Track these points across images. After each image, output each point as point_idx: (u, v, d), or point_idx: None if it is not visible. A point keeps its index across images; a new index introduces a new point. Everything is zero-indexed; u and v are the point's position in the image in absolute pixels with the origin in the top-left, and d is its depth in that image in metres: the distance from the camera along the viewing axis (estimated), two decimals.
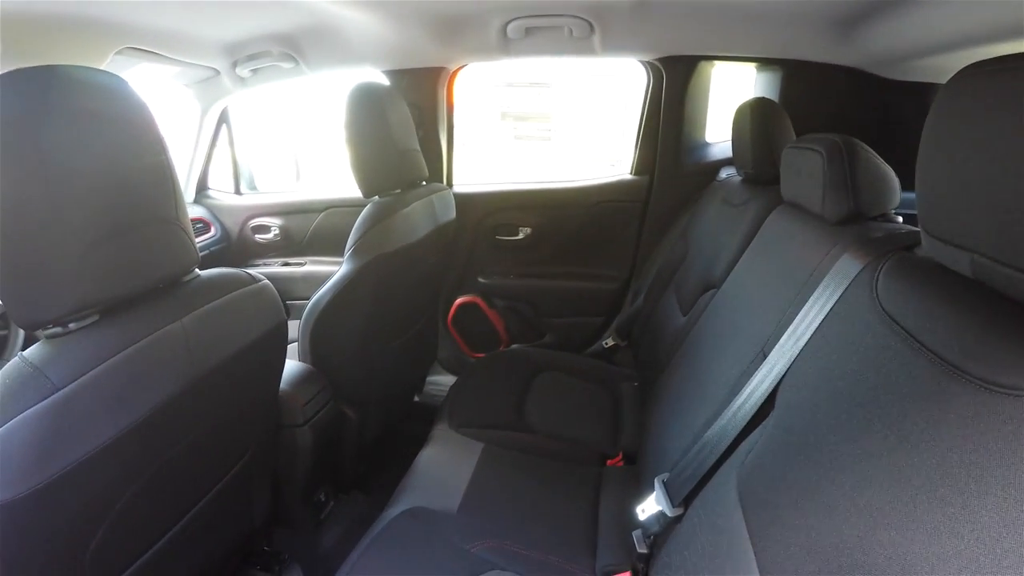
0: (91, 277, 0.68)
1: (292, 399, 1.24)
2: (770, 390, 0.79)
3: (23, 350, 0.68)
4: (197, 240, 2.01)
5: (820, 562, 0.54)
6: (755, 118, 1.44)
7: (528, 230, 2.06)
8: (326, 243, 2.19)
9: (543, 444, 1.41)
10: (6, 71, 0.64)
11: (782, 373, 0.78)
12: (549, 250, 2.08)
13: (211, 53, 1.73)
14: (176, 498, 0.91)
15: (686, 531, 0.84)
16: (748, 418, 0.81)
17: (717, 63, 1.91)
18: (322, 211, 2.18)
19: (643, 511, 0.96)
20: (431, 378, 2.14)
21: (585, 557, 1.09)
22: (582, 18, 1.52)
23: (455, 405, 1.54)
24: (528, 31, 1.61)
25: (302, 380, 1.31)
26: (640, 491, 1.06)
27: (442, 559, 1.03)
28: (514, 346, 2.13)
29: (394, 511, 1.15)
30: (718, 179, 1.83)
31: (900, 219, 1.00)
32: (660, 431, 1.19)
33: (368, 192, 1.44)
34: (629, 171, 2.03)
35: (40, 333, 0.70)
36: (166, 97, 1.99)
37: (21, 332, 1.33)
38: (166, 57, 1.61)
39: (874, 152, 1.01)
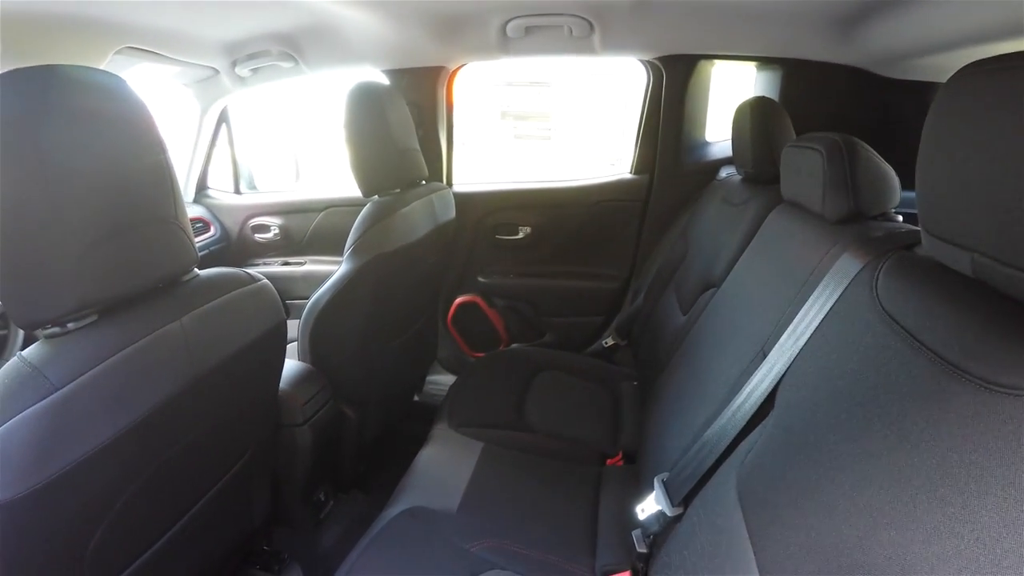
0: (90, 277, 0.68)
1: (292, 398, 1.24)
2: (770, 389, 0.79)
3: (22, 350, 0.68)
4: (197, 240, 2.02)
5: (820, 562, 0.54)
6: (755, 117, 1.44)
7: (528, 229, 2.06)
8: (326, 242, 2.19)
9: (543, 443, 1.41)
10: (6, 71, 0.64)
11: (782, 372, 0.78)
12: (549, 249, 2.08)
13: (210, 53, 1.72)
14: (175, 498, 0.91)
15: (686, 531, 0.84)
16: (748, 417, 0.81)
17: (717, 62, 1.90)
18: (322, 211, 2.18)
19: (643, 510, 0.96)
20: (431, 377, 2.14)
21: (585, 556, 1.09)
22: (582, 17, 1.52)
23: (455, 404, 1.54)
24: (528, 30, 1.61)
25: (302, 379, 1.31)
26: (640, 490, 1.06)
27: (442, 559, 1.03)
28: (514, 345, 2.13)
29: (394, 510, 1.15)
30: (718, 178, 1.82)
31: (900, 218, 1.00)
32: (660, 430, 1.19)
33: (368, 191, 1.44)
34: (629, 170, 2.03)
35: (39, 333, 0.70)
36: (166, 97, 1.99)
37: (20, 332, 1.33)
38: (166, 57, 1.60)
39: (874, 151, 1.01)
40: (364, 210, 1.37)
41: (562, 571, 1.05)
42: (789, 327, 0.81)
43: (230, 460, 1.02)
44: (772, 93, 1.80)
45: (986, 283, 0.53)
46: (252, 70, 1.83)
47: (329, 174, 2.63)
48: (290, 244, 2.25)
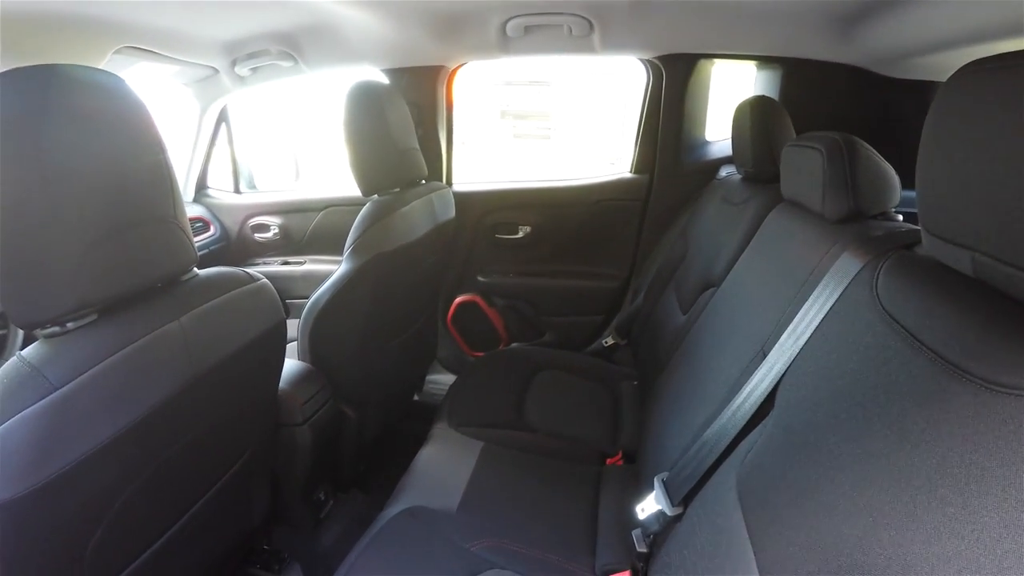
0: (89, 276, 0.68)
1: (291, 398, 1.24)
2: (770, 389, 0.79)
3: (22, 350, 0.68)
4: (196, 239, 2.03)
5: (819, 562, 0.54)
6: (755, 116, 1.44)
7: (528, 229, 2.06)
8: (325, 242, 2.19)
9: (543, 443, 1.41)
10: (5, 70, 0.64)
11: (782, 372, 0.78)
12: (549, 249, 2.08)
13: (210, 52, 1.72)
14: (175, 497, 0.91)
15: (685, 530, 0.84)
16: (748, 417, 0.81)
17: (717, 61, 1.90)
18: (321, 210, 2.18)
19: (643, 510, 0.96)
20: (430, 377, 2.14)
21: (585, 556, 1.09)
22: (582, 16, 1.52)
23: (455, 404, 1.54)
24: (527, 29, 1.61)
25: (301, 379, 1.31)
26: (640, 490, 1.06)
27: (441, 558, 1.03)
28: (514, 345, 2.13)
29: (393, 510, 1.15)
30: (718, 177, 1.82)
31: (900, 217, 1.00)
32: (660, 430, 1.19)
33: (367, 191, 1.43)
34: (629, 170, 2.03)
35: (38, 333, 0.70)
36: (165, 96, 1.99)
37: (20, 332, 1.33)
38: (165, 56, 1.60)
39: (874, 150, 1.01)
40: (364, 209, 1.37)
41: (562, 570, 1.05)
42: (789, 327, 0.80)
43: (230, 459, 1.02)
44: (772, 92, 1.80)
45: (986, 283, 0.53)
46: (252, 69, 1.83)
47: (329, 173, 2.63)
48: (290, 243, 2.25)
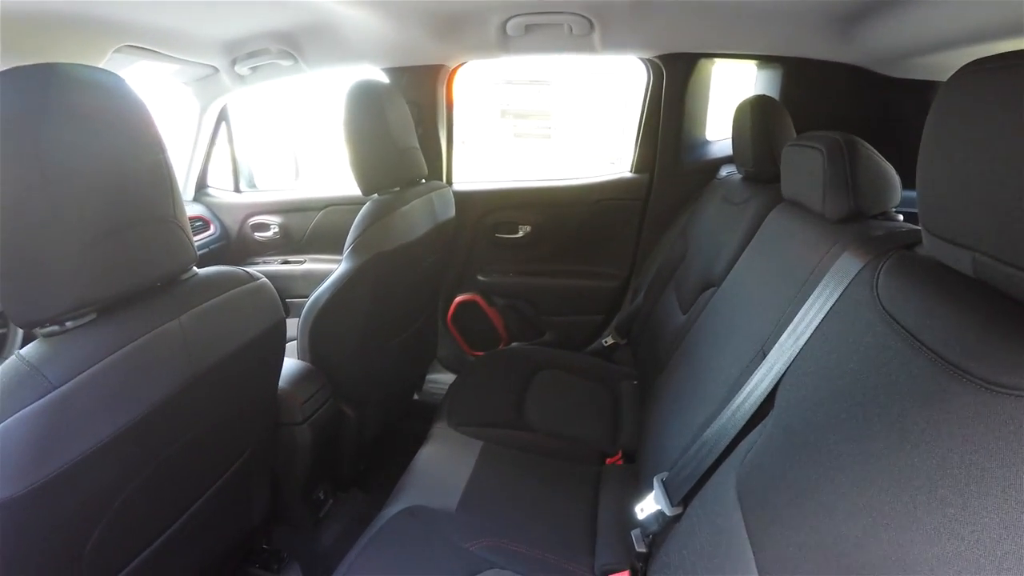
0: (89, 275, 0.68)
1: (291, 397, 1.24)
2: (769, 389, 0.79)
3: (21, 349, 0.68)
4: (196, 238, 2.03)
5: (819, 562, 0.54)
6: (755, 116, 1.44)
7: (528, 228, 2.06)
8: (325, 241, 2.19)
9: (542, 442, 1.41)
10: (5, 69, 0.64)
11: (782, 372, 0.78)
12: (549, 248, 2.08)
13: (210, 51, 1.72)
14: (175, 496, 0.91)
15: (685, 530, 0.84)
16: (747, 417, 0.81)
17: (717, 61, 1.90)
18: (321, 209, 2.18)
19: (642, 510, 0.96)
20: (430, 376, 2.14)
21: (584, 556, 1.09)
22: (582, 15, 1.52)
23: (454, 403, 1.54)
24: (528, 28, 1.61)
25: (301, 378, 1.31)
26: (639, 490, 1.06)
27: (441, 557, 1.03)
28: (513, 344, 2.13)
29: (393, 509, 1.15)
30: (718, 177, 1.82)
31: (901, 217, 1.00)
32: (659, 430, 1.19)
33: (367, 190, 1.43)
34: (629, 169, 2.03)
35: (37, 332, 0.70)
36: (165, 95, 1.99)
37: (20, 331, 1.33)
38: (165, 55, 1.60)
39: (875, 150, 1.01)
40: (363, 209, 1.37)
41: (561, 570, 1.05)
42: (789, 326, 0.80)
43: (229, 459, 1.02)
44: (772, 92, 1.80)
45: (987, 283, 0.53)
46: (252, 68, 1.83)
47: (329, 173, 2.63)
48: (290, 243, 2.25)
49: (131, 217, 0.73)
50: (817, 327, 0.76)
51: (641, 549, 0.96)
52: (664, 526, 0.91)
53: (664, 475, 0.94)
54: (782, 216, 1.17)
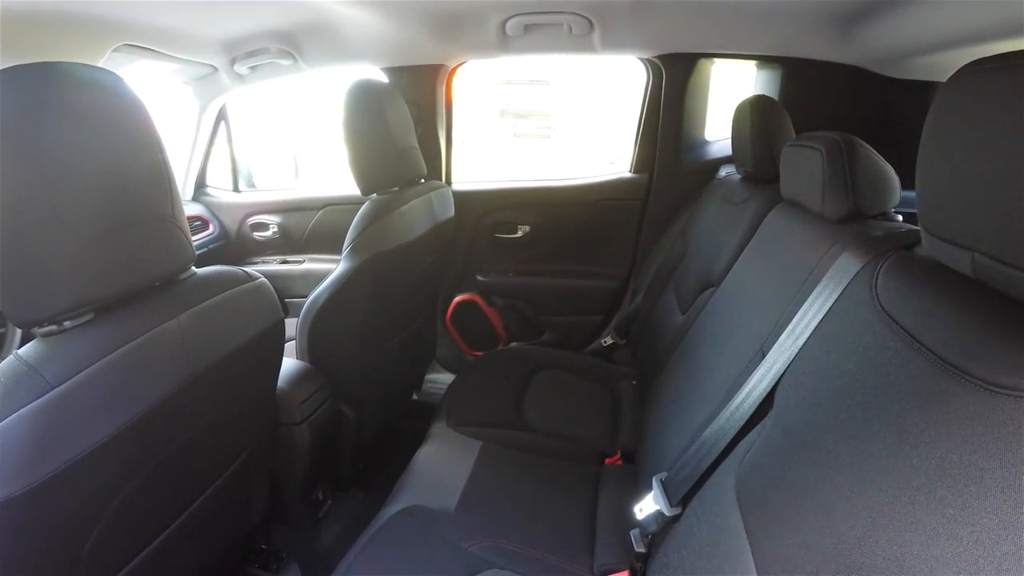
0: (87, 275, 0.68)
1: (290, 397, 1.24)
2: (769, 389, 0.79)
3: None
4: (195, 238, 2.03)
5: (818, 562, 0.54)
6: (755, 116, 1.44)
7: (527, 228, 2.06)
8: (325, 241, 2.19)
9: (541, 442, 1.41)
10: (4, 67, 0.64)
11: (781, 372, 0.78)
12: (548, 248, 2.08)
13: (209, 50, 1.72)
14: (173, 496, 0.90)
15: (684, 531, 0.84)
16: (746, 417, 0.81)
17: (717, 61, 1.90)
18: (320, 209, 2.18)
19: (641, 510, 0.96)
20: (430, 376, 2.14)
21: (583, 556, 1.09)
22: (581, 15, 1.52)
23: (453, 403, 1.54)
24: (527, 28, 1.61)
25: (300, 378, 1.31)
26: (638, 490, 1.06)
27: (440, 558, 1.03)
28: (513, 344, 2.13)
29: (392, 509, 1.15)
30: (718, 177, 1.82)
31: (900, 218, 1.00)
32: (658, 430, 1.19)
33: (366, 190, 1.43)
34: (628, 169, 2.03)
35: (36, 331, 0.70)
36: (164, 94, 1.98)
37: (18, 331, 1.32)
38: (164, 54, 1.60)
39: (874, 150, 1.01)
40: (362, 208, 1.37)
41: (560, 570, 1.05)
42: (788, 327, 0.80)
43: (228, 458, 1.02)
44: (772, 92, 1.80)
45: (986, 283, 0.53)
46: (251, 68, 1.82)
47: (328, 172, 2.63)
48: (289, 242, 2.25)
49: (129, 217, 0.73)
50: (816, 327, 0.76)
51: (640, 549, 0.96)
52: (663, 526, 0.91)
53: (663, 475, 0.94)
54: (781, 216, 1.17)
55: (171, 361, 0.78)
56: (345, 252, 1.33)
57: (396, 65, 1.85)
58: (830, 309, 0.75)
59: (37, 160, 0.63)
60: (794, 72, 1.77)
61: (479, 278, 2.11)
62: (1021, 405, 0.43)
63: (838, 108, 1.74)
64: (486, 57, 1.86)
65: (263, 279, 0.98)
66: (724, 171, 1.83)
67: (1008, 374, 0.45)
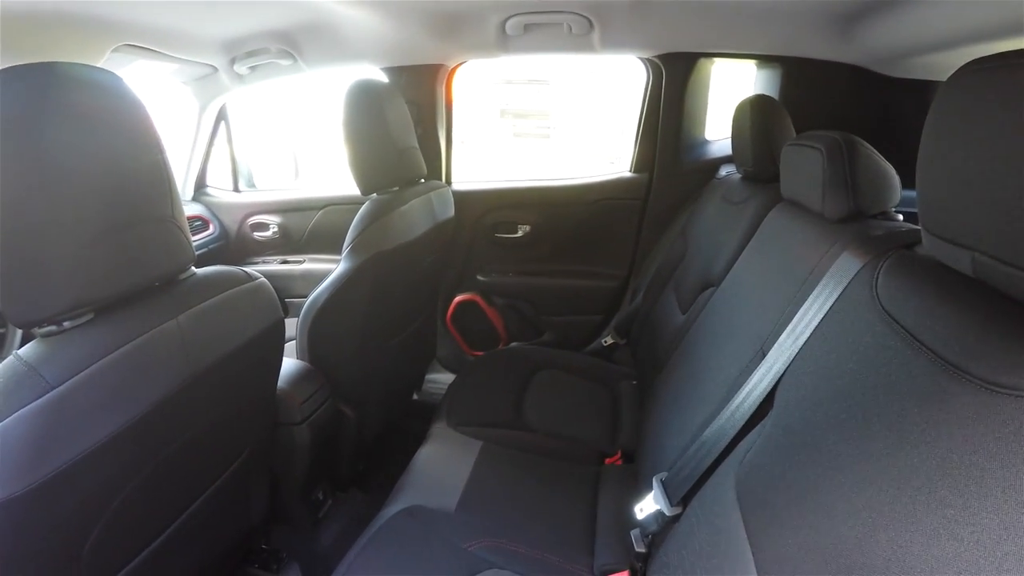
0: (86, 275, 0.68)
1: (290, 397, 1.24)
2: (769, 389, 0.79)
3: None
4: (195, 238, 2.03)
5: (818, 562, 0.54)
6: (755, 115, 1.44)
7: (527, 228, 2.06)
8: (325, 241, 2.19)
9: (541, 442, 1.41)
10: (3, 68, 0.63)
11: (781, 372, 0.78)
12: (548, 248, 2.08)
13: (209, 50, 1.72)
14: (173, 496, 0.90)
15: (684, 530, 0.84)
16: (747, 417, 0.81)
17: (717, 60, 1.90)
18: (321, 209, 2.18)
19: (641, 510, 0.96)
20: (430, 376, 2.13)
21: (583, 556, 1.09)
22: (581, 15, 1.52)
23: (454, 403, 1.54)
24: (527, 28, 1.61)
25: (300, 378, 1.31)
26: (638, 490, 1.06)
27: (440, 558, 1.03)
28: (513, 344, 2.13)
29: (392, 509, 1.15)
30: (718, 176, 1.82)
31: (900, 217, 1.00)
32: (658, 430, 1.19)
33: (366, 190, 1.43)
34: (628, 169, 2.02)
35: (35, 332, 0.70)
36: (164, 94, 1.98)
37: (19, 331, 1.32)
38: (163, 54, 1.60)
39: (874, 150, 1.01)
40: (362, 208, 1.37)
41: (560, 570, 1.05)
42: (788, 326, 0.80)
43: (228, 458, 1.02)
44: (772, 91, 1.80)
45: (986, 283, 0.53)
46: (251, 68, 1.82)
47: (328, 172, 2.63)
48: (289, 242, 2.25)
49: (129, 217, 0.73)
50: (816, 327, 0.75)
51: (640, 549, 0.95)
52: (663, 526, 0.91)
53: (663, 475, 0.94)
54: (781, 216, 1.17)
55: (171, 361, 0.78)
56: (345, 252, 1.33)
57: (396, 65, 1.85)
58: (830, 309, 0.75)
59: (37, 160, 0.63)
60: (794, 71, 1.77)
61: (479, 278, 2.11)
62: (1022, 405, 0.43)
63: (838, 107, 1.73)
64: (486, 57, 1.85)
65: (263, 279, 0.98)
66: (724, 171, 1.83)
67: (1008, 374, 0.45)
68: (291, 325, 1.25)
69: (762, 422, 0.77)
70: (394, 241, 1.37)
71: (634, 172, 2.00)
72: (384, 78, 1.86)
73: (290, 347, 1.38)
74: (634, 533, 0.97)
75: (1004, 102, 0.47)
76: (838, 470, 0.56)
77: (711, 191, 1.72)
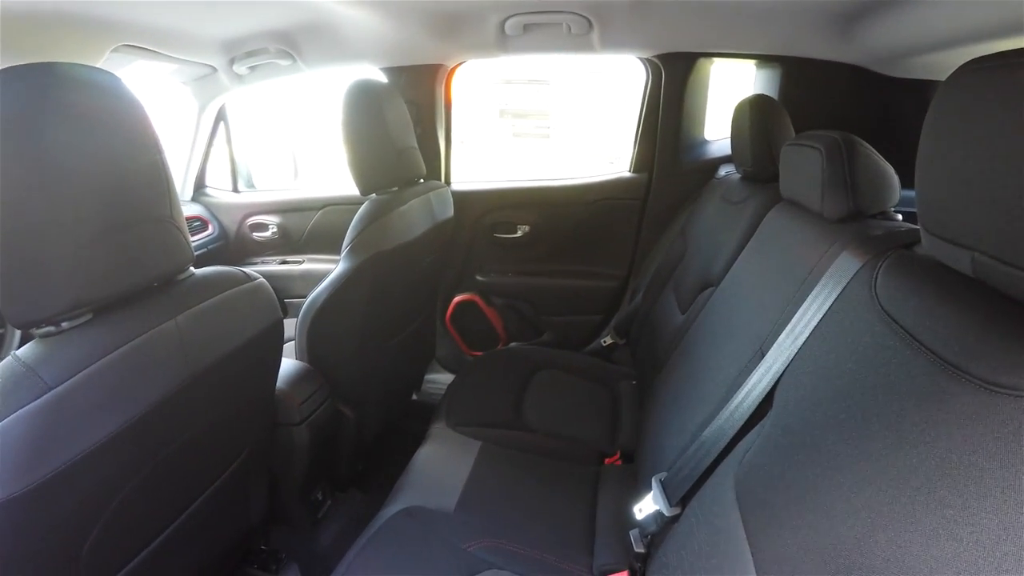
0: (85, 276, 0.68)
1: (289, 397, 1.24)
2: (768, 389, 0.79)
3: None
4: (195, 238, 2.03)
5: (817, 563, 0.54)
6: (754, 115, 1.44)
7: (526, 228, 2.06)
8: (324, 241, 2.18)
9: (541, 442, 1.41)
10: (2, 68, 0.63)
11: (780, 372, 0.78)
12: (547, 248, 2.08)
13: (208, 50, 1.72)
14: (172, 496, 0.90)
15: (683, 531, 0.84)
16: (746, 417, 0.81)
17: (716, 60, 1.90)
18: (320, 209, 2.18)
19: (640, 510, 0.96)
20: (429, 376, 2.13)
21: (582, 556, 1.08)
22: (581, 15, 1.52)
23: (453, 403, 1.53)
24: (526, 28, 1.61)
25: (299, 379, 1.31)
26: (638, 490, 1.06)
27: (439, 558, 1.03)
28: (512, 344, 2.13)
29: (391, 510, 1.15)
30: (717, 176, 1.82)
31: (900, 217, 1.00)
32: (658, 430, 1.19)
33: (365, 190, 1.43)
34: (628, 169, 2.02)
35: (34, 332, 0.69)
36: (163, 95, 1.98)
37: (17, 331, 1.32)
38: (162, 54, 1.60)
39: (873, 150, 1.01)
40: (361, 208, 1.37)
41: (560, 571, 1.05)
42: (787, 326, 0.80)
43: (227, 459, 1.02)
44: (771, 91, 1.80)
45: (986, 282, 0.53)
46: (250, 68, 1.82)
47: (327, 172, 2.62)
48: (288, 243, 2.25)
49: (127, 217, 0.73)
50: (816, 327, 0.75)
51: (639, 549, 0.95)
52: (662, 526, 0.91)
53: (662, 475, 0.94)
54: (781, 215, 1.17)
55: (169, 362, 0.78)
56: (344, 252, 1.33)
57: (395, 65, 1.85)
58: (829, 308, 0.75)
59: (35, 161, 0.63)
60: (794, 71, 1.77)
61: (478, 278, 2.11)
62: (1021, 405, 0.43)
63: (837, 107, 1.73)
64: (485, 57, 1.85)
65: (262, 279, 0.97)
66: (723, 170, 1.83)
67: (1008, 374, 0.45)
68: (290, 325, 1.25)
69: (761, 422, 0.77)
70: (393, 241, 1.37)
71: (633, 172, 2.00)
72: (383, 78, 1.86)
73: (289, 347, 1.38)
74: (633, 533, 0.97)
75: (1004, 101, 0.47)
76: (837, 470, 0.56)
77: (710, 191, 1.71)
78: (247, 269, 0.97)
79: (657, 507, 0.91)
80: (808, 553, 0.55)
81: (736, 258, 1.25)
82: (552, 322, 2.12)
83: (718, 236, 1.42)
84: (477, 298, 2.10)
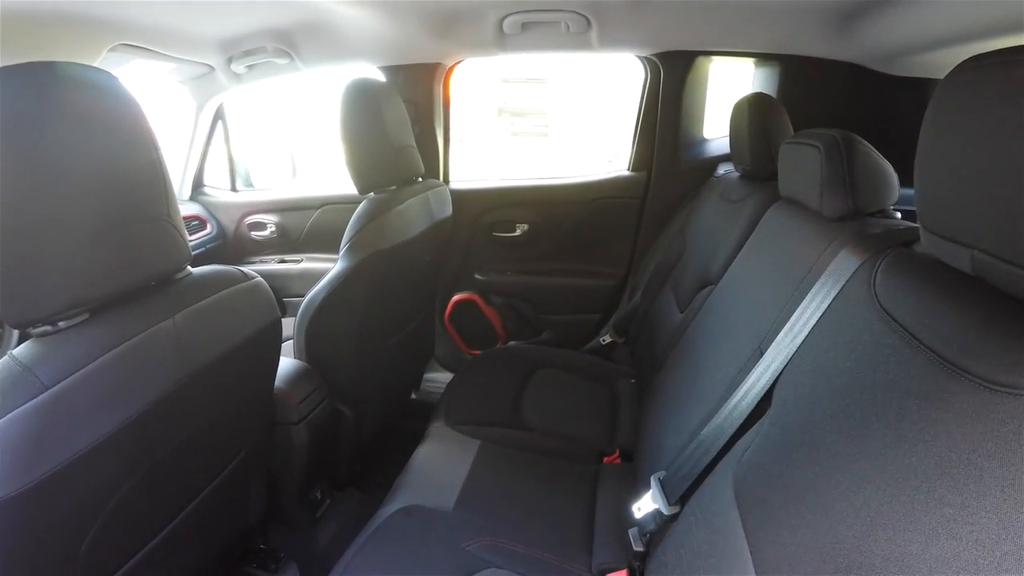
0: (82, 275, 0.68)
1: (287, 397, 1.24)
2: (767, 387, 0.79)
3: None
4: (193, 237, 2.02)
5: (816, 562, 0.54)
6: (753, 113, 1.44)
7: (525, 227, 2.05)
8: (322, 240, 2.18)
9: (540, 441, 1.41)
10: (1, 67, 0.63)
11: (779, 370, 0.78)
12: (546, 247, 2.08)
13: (206, 49, 1.71)
14: (171, 496, 0.90)
15: (682, 529, 0.84)
16: (745, 416, 0.81)
17: (715, 58, 1.90)
18: (318, 208, 2.17)
19: (639, 509, 0.96)
20: (428, 375, 2.13)
21: (581, 555, 1.08)
22: (579, 13, 1.52)
23: (452, 402, 1.53)
24: (525, 26, 1.61)
25: (297, 378, 1.31)
26: (637, 489, 1.06)
27: (438, 557, 1.03)
28: (511, 343, 2.13)
29: (390, 509, 1.15)
30: (716, 175, 1.82)
31: (899, 215, 1.00)
32: (657, 429, 1.19)
33: (363, 189, 1.43)
34: (626, 167, 2.02)
35: (31, 332, 0.69)
36: (161, 94, 1.98)
37: (15, 331, 1.32)
38: (160, 54, 1.59)
39: (872, 148, 1.01)
40: (360, 207, 1.37)
41: (559, 570, 1.05)
42: (786, 325, 0.80)
43: (225, 458, 1.02)
44: (770, 89, 1.80)
45: (985, 280, 0.53)
46: (248, 67, 1.82)
47: (325, 171, 2.62)
48: (287, 241, 2.24)
49: (125, 216, 0.72)
50: (815, 325, 0.75)
51: (638, 548, 0.96)
52: (661, 525, 0.91)
53: (661, 474, 0.94)
54: (779, 214, 1.17)
55: (167, 361, 0.77)
56: (342, 251, 1.33)
57: (393, 64, 1.85)
58: (828, 307, 0.75)
59: (33, 160, 0.62)
60: (792, 70, 1.77)
61: (477, 277, 2.10)
62: (1021, 403, 0.43)
63: (836, 105, 1.73)
64: (484, 55, 1.85)
65: (259, 278, 0.97)
66: (722, 169, 1.83)
67: (1008, 372, 0.45)
68: (288, 324, 1.25)
69: (760, 421, 0.77)
70: (392, 240, 1.37)
71: (632, 171, 2.00)
72: (381, 77, 1.85)
73: (287, 346, 1.37)
74: (632, 532, 0.97)
75: (1002, 99, 0.47)
76: (836, 469, 0.56)
77: (709, 189, 1.71)
78: (245, 268, 0.97)
79: (656, 506, 0.91)
80: (807, 552, 0.55)
81: (735, 257, 1.25)
82: (551, 321, 2.11)
83: (717, 235, 1.42)
84: (476, 297, 2.10)
